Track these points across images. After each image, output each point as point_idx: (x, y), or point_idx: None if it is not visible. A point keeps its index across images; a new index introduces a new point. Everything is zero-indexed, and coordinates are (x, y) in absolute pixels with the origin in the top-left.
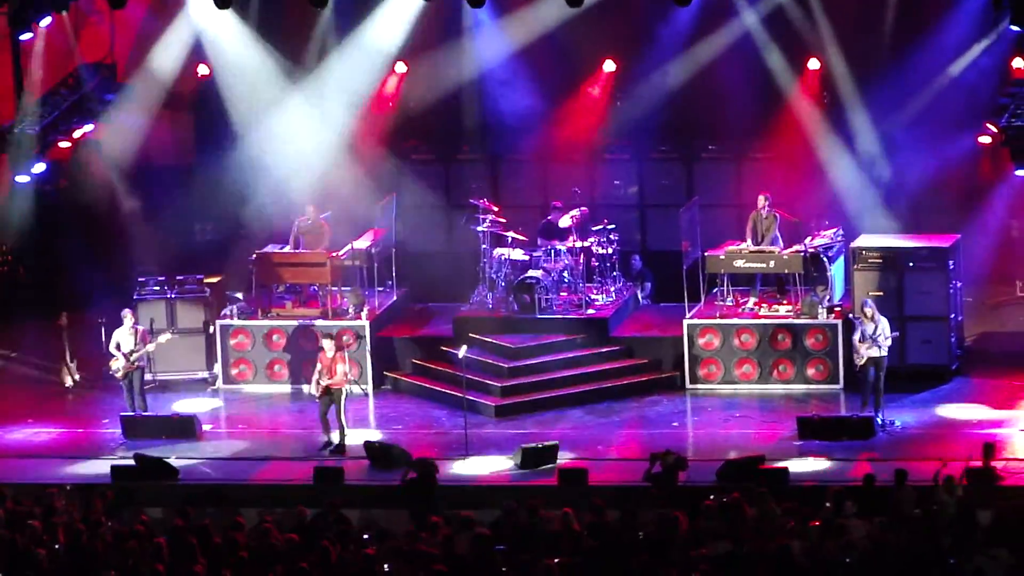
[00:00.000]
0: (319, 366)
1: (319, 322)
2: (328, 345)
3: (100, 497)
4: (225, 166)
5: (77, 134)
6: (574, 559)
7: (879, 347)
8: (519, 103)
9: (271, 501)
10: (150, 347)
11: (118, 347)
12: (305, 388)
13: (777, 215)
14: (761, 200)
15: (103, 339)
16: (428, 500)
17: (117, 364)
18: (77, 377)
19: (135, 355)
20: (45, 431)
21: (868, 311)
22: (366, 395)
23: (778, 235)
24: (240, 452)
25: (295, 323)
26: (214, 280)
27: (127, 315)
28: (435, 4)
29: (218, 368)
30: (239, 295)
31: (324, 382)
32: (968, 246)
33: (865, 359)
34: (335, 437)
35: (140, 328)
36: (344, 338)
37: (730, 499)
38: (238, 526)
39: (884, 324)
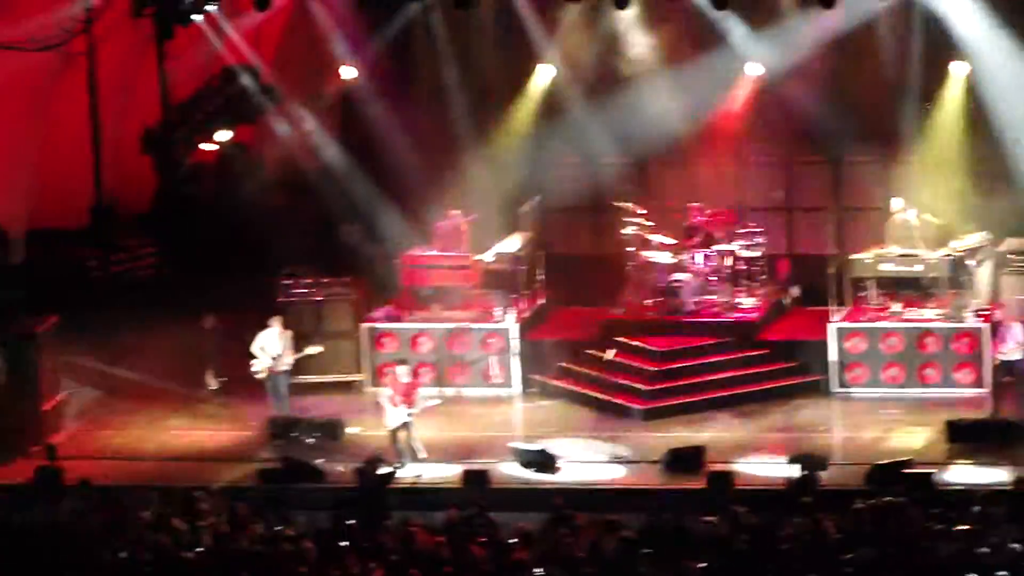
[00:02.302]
0: (390, 393)
1: (466, 325)
2: (403, 372)
3: (246, 500)
4: (367, 167)
5: (222, 136)
6: (720, 564)
7: None
8: (665, 106)
9: (418, 503)
10: (296, 356)
11: (262, 348)
12: (389, 418)
13: (920, 220)
14: (899, 203)
15: (249, 341)
16: (374, 506)
17: (260, 364)
18: (223, 379)
19: (281, 360)
20: (189, 433)
21: (1016, 314)
22: (512, 400)
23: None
24: (386, 455)
25: (442, 326)
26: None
27: (274, 322)
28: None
29: (365, 370)
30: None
31: (408, 411)
32: None
33: (1007, 360)
34: (413, 457)
35: (287, 332)
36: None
37: (878, 503)
38: (382, 529)
39: None
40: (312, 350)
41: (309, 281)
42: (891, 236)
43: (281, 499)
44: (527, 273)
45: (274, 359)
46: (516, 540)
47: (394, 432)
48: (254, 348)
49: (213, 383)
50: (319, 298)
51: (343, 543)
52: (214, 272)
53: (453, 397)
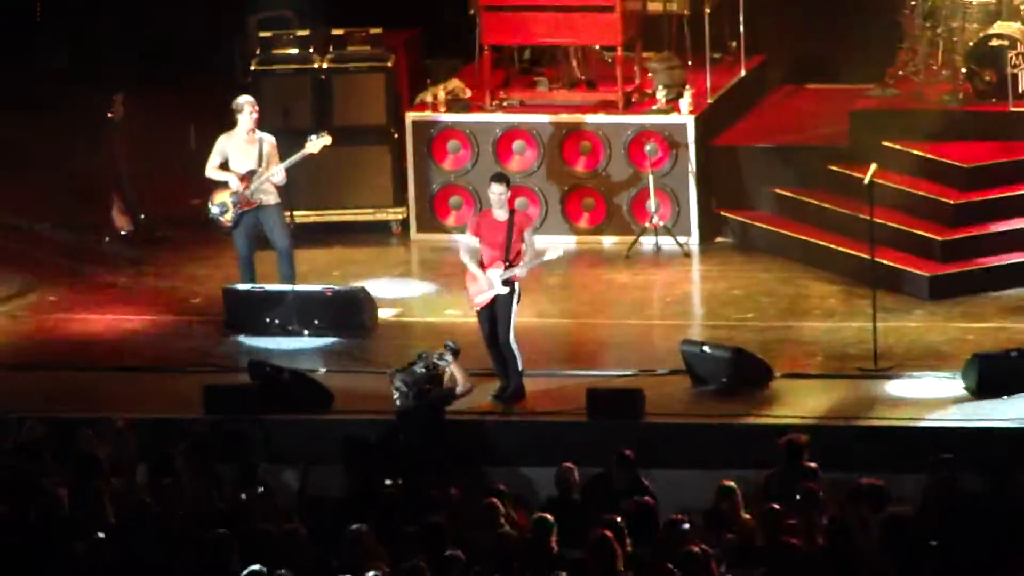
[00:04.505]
0: (473, 242)
1: (593, 117)
2: (498, 194)
3: (184, 441)
4: None
5: None
6: None
7: None
8: None
9: (507, 453)
10: (291, 161)
11: (225, 165)
12: (476, 288)
13: None
14: None
15: (192, 142)
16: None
17: (224, 198)
18: (141, 218)
19: (258, 181)
20: (80, 319)
21: None
22: (687, 255)
23: None
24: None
25: (554, 118)
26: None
27: (245, 104)
28: None
29: (411, 202)
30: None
31: (500, 274)
32: None
33: None
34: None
35: (268, 137)
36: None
37: None
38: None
39: None
40: (315, 144)
41: (304, 34)
42: None
43: (248, 441)
44: (715, 21)
45: (246, 180)
46: (685, 521)
47: (489, 318)
48: (211, 167)
49: (125, 225)
50: (323, 65)
51: (357, 525)
52: (123, 21)
53: (574, 252)
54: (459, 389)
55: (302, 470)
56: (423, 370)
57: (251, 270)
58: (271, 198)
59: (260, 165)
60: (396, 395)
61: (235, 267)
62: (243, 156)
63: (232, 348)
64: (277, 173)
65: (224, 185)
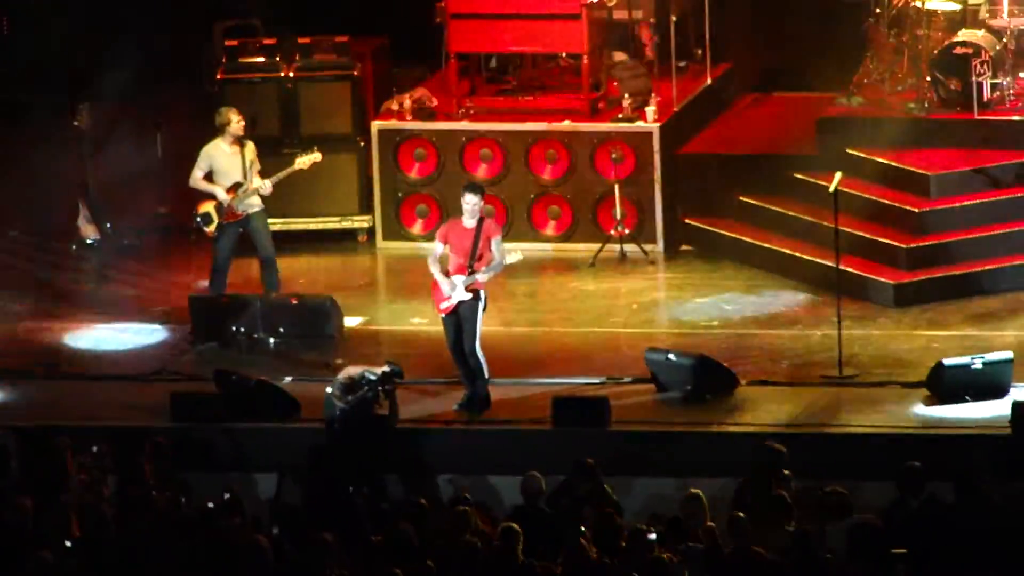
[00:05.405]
0: (441, 249)
1: (559, 126)
2: (472, 204)
3: (151, 450)
4: None
5: None
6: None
7: None
8: None
9: (473, 462)
10: (279, 176)
11: (209, 176)
12: (441, 294)
13: None
14: None
15: (159, 150)
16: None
17: (208, 209)
18: (108, 227)
19: (245, 194)
20: (46, 327)
21: None
22: (652, 263)
23: None
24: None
25: (520, 127)
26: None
27: (231, 114)
28: None
29: (377, 210)
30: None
31: (464, 279)
32: None
33: None
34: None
35: (249, 145)
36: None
37: None
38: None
39: None
40: (305, 160)
41: (271, 42)
42: None
43: (213, 449)
44: (681, 29)
45: (232, 192)
46: (651, 530)
47: (449, 328)
48: (196, 176)
49: (92, 233)
50: (289, 74)
51: (324, 535)
52: (90, 30)
53: (540, 260)
54: (395, 422)
55: (276, 479)
56: (363, 394)
57: (224, 279)
58: (256, 207)
59: (245, 176)
60: (334, 408)
61: (202, 275)
62: (229, 167)
63: (198, 360)
64: (264, 187)
65: (209, 196)
